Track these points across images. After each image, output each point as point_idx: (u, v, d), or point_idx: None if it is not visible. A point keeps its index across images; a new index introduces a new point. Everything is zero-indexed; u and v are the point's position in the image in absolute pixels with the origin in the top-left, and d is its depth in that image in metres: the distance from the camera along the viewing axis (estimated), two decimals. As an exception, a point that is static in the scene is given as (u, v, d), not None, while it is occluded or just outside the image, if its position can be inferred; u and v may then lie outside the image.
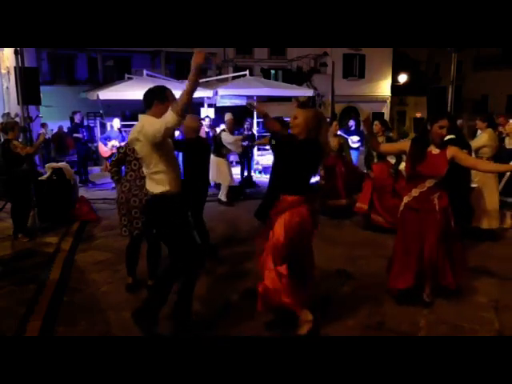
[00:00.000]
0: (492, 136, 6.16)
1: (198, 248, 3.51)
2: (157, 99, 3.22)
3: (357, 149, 11.47)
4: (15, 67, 7.07)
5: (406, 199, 3.99)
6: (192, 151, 4.97)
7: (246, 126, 11.31)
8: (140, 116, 3.28)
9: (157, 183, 3.29)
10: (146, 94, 3.28)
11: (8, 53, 10.80)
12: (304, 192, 3.42)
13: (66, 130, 14.13)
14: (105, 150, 10.72)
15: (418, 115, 25.73)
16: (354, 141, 11.47)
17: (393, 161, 6.86)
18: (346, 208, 7.34)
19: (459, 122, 8.56)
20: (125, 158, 4.23)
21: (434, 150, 3.86)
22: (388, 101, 26.21)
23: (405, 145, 4.06)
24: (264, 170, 12.10)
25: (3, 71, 11.30)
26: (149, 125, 3.11)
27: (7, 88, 11.30)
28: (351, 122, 12.26)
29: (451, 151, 3.85)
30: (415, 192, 3.90)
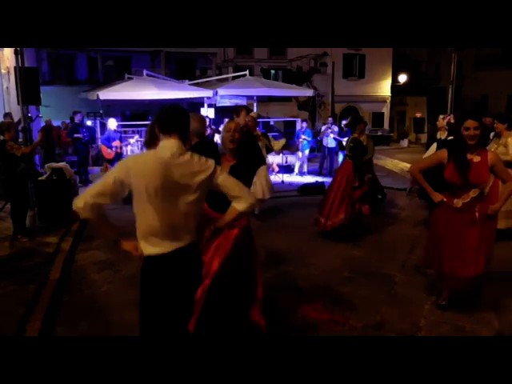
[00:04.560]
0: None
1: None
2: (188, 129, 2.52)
3: None
4: (15, 67, 7.07)
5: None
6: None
7: (246, 126, 11.31)
8: (177, 146, 2.38)
9: (192, 231, 2.53)
10: (183, 113, 2.50)
11: (8, 53, 10.79)
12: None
13: (54, 123, 14.06)
14: (108, 152, 10.73)
15: (418, 115, 25.71)
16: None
17: None
18: None
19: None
20: None
21: (475, 158, 3.60)
22: (388, 101, 26.17)
23: (442, 155, 3.76)
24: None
25: (3, 71, 11.29)
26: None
27: (7, 88, 11.29)
28: (344, 122, 12.21)
29: (492, 158, 3.61)
30: (457, 203, 3.69)
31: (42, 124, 12.59)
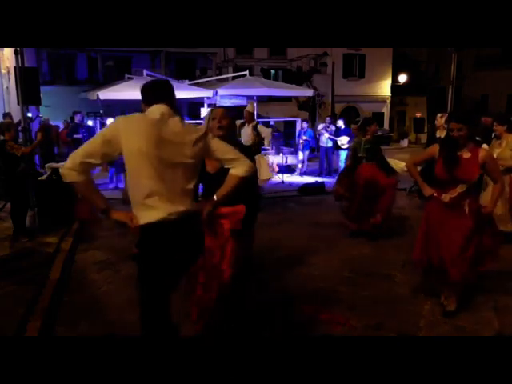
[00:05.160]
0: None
1: None
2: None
3: (347, 149, 11.44)
4: (15, 67, 7.07)
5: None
6: None
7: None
8: (167, 109, 2.39)
9: (191, 200, 2.48)
10: (168, 85, 2.53)
11: (8, 53, 10.80)
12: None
13: (54, 123, 14.05)
14: None
15: (418, 115, 25.70)
16: (343, 142, 11.37)
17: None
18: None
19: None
20: None
21: (466, 154, 3.66)
22: (388, 101, 26.17)
23: (434, 150, 3.89)
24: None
25: (3, 71, 11.30)
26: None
27: (7, 88, 11.30)
28: (341, 122, 12.21)
29: (483, 156, 3.66)
30: (445, 198, 3.75)
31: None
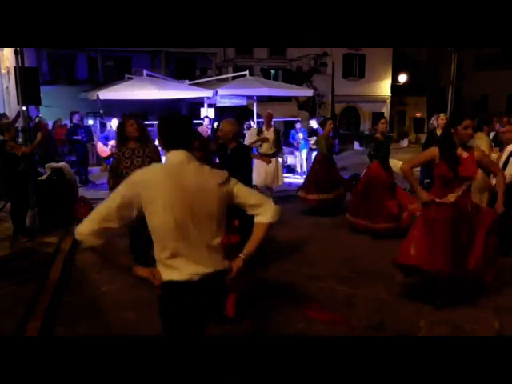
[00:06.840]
0: (487, 144, 5.73)
1: None
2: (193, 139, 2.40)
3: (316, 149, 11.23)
4: (15, 67, 7.06)
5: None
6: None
7: (245, 126, 11.37)
8: (185, 155, 2.22)
9: (220, 256, 2.31)
10: (187, 125, 2.37)
11: (8, 53, 10.80)
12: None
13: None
14: (104, 150, 10.72)
15: (418, 115, 25.70)
16: (312, 142, 10.91)
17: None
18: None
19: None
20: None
21: (464, 154, 3.79)
22: (388, 101, 26.17)
23: (433, 152, 3.90)
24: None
25: (3, 71, 11.30)
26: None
27: (7, 88, 11.30)
28: (313, 122, 12.11)
29: (478, 155, 3.82)
30: (451, 197, 3.82)
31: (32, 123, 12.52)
